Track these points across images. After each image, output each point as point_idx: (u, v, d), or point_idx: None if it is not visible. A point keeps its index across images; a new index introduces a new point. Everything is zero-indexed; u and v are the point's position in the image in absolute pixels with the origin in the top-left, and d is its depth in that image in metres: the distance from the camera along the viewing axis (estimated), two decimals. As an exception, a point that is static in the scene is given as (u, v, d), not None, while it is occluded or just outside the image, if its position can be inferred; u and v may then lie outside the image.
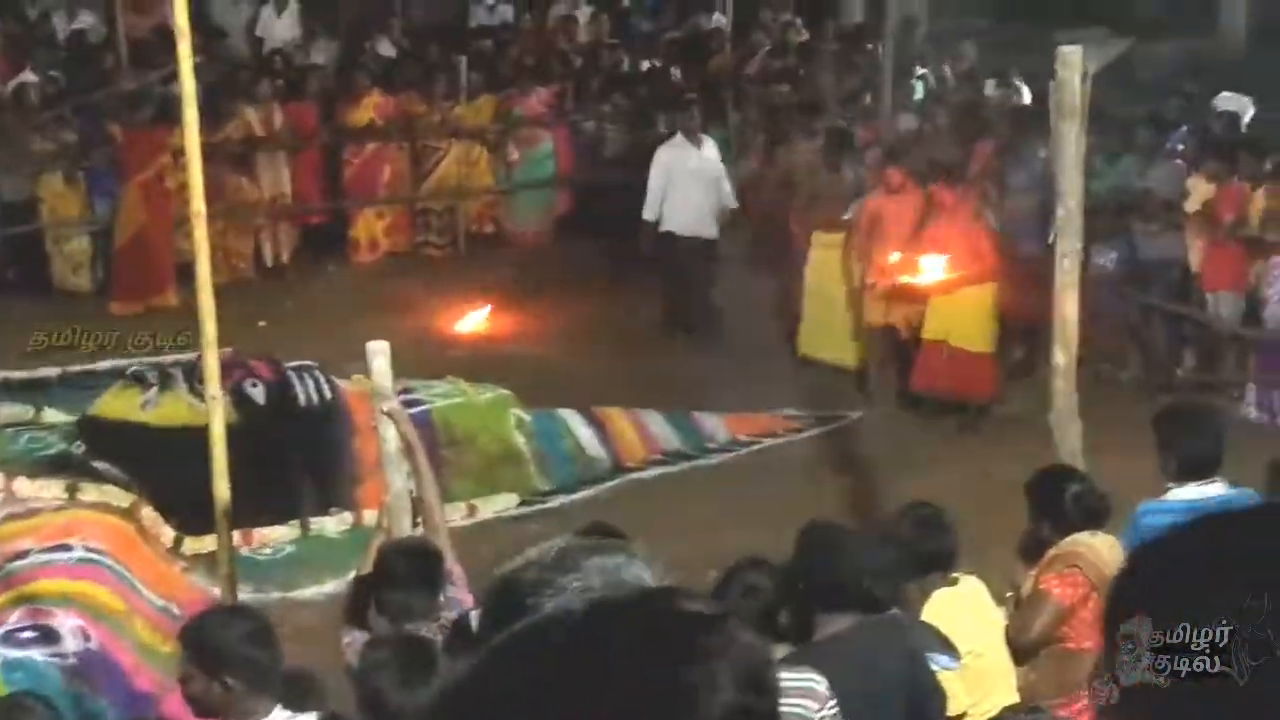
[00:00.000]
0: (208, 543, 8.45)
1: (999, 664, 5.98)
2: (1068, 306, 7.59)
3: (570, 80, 17.79)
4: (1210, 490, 6.41)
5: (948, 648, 5.44)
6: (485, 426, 11.03)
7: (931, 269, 11.92)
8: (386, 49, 18.53)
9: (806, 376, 13.07)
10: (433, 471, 6.79)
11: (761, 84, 17.92)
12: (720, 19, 19.44)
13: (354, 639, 5.67)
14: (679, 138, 14.13)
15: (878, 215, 12.44)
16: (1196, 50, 21.06)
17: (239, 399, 9.87)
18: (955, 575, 6.01)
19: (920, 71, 17.69)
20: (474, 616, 3.54)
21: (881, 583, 5.19)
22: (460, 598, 5.81)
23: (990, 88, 17.06)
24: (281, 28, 19.02)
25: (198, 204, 6.74)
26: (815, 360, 13.25)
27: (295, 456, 10.35)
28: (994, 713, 5.75)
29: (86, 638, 7.99)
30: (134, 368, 10.90)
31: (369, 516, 9.44)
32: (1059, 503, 6.23)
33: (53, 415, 10.95)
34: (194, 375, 9.50)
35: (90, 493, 9.45)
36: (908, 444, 11.64)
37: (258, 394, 10.29)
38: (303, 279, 15.77)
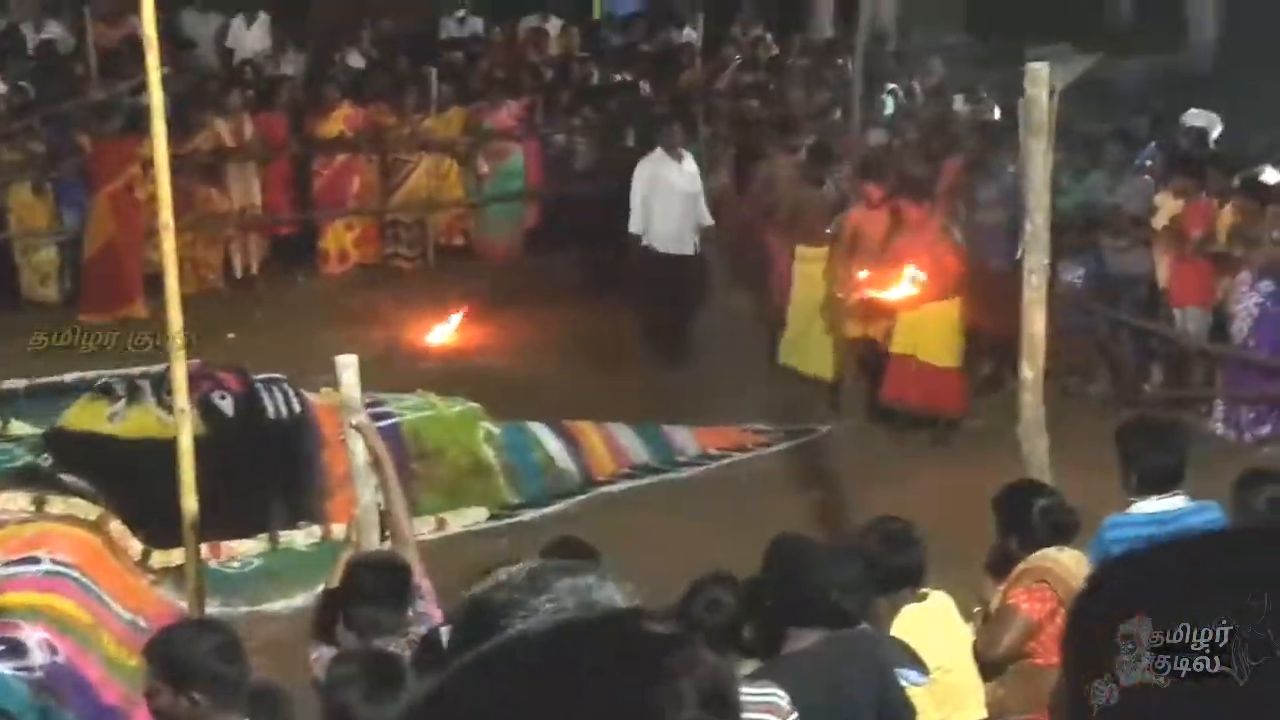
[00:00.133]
0: (176, 556, 8.40)
1: (968, 679, 5.97)
2: (1036, 322, 7.62)
3: (540, 93, 17.79)
4: (1171, 503, 6.43)
5: (916, 663, 5.44)
6: (455, 439, 11.00)
7: (897, 284, 11.94)
8: (356, 60, 18.55)
9: (779, 390, 13.07)
10: (402, 485, 6.77)
11: (732, 98, 17.96)
12: (691, 33, 19.46)
13: (321, 654, 5.65)
14: (659, 152, 13.97)
15: (858, 229, 12.47)
16: (1165, 66, 21.17)
17: (207, 411, 9.83)
18: (924, 590, 6.01)
19: (890, 87, 17.73)
20: (444, 632, 3.53)
21: (850, 597, 5.19)
22: (429, 612, 5.79)
23: (959, 103, 17.12)
24: (251, 39, 19.00)
25: (166, 216, 6.73)
26: (794, 371, 13.24)
27: (263, 469, 10.31)
28: (962, 728, 5.77)
29: (54, 651, 7.93)
30: (102, 380, 10.87)
31: (338, 530, 9.42)
32: (1026, 518, 6.23)
33: (19, 427, 10.85)
34: (162, 387, 9.47)
35: (58, 505, 9.36)
36: (876, 458, 11.65)
37: (226, 406, 10.26)
38: (272, 290, 15.74)
